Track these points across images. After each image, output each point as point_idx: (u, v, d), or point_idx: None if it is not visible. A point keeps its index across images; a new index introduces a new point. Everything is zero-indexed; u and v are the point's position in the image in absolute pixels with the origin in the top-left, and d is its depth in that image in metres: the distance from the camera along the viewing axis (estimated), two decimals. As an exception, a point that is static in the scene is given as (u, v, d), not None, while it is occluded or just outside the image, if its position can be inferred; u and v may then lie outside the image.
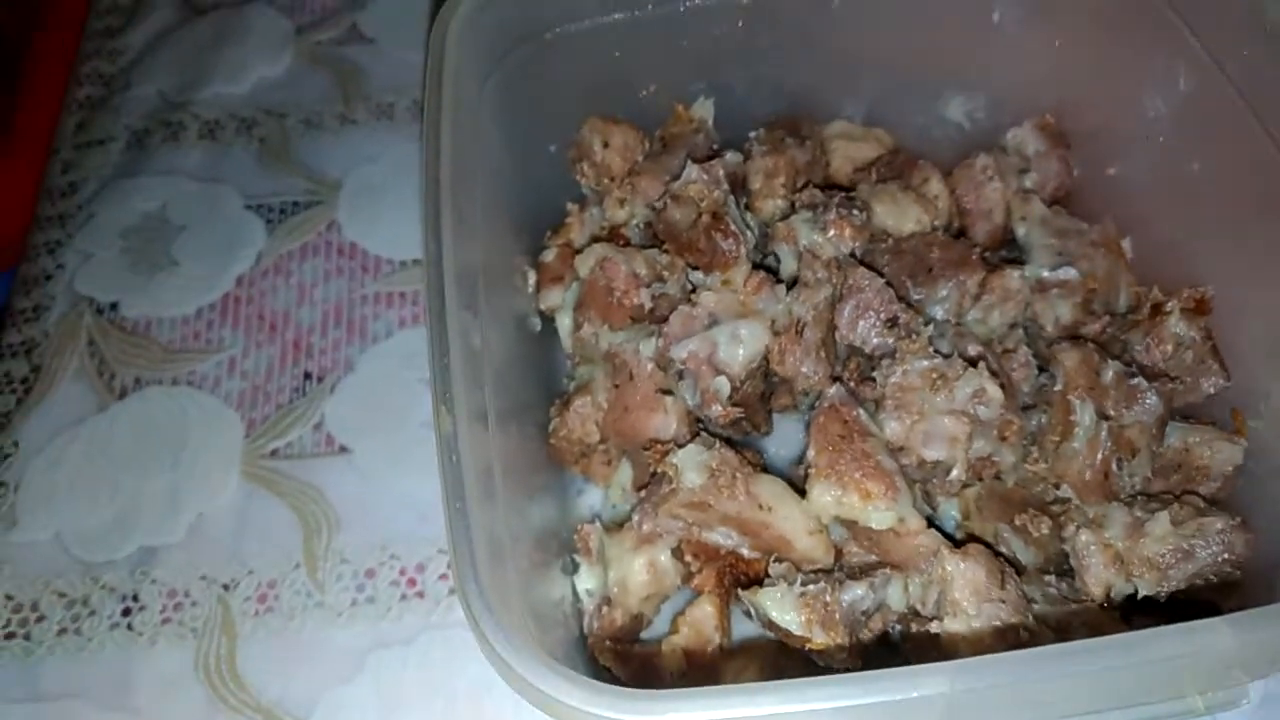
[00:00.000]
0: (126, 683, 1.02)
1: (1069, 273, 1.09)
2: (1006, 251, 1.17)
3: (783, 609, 0.86)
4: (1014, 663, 0.62)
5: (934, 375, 0.92)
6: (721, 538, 0.94)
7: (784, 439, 1.10)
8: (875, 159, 1.19)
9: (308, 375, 1.24)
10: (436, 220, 0.84)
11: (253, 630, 1.05)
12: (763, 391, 1.03)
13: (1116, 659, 0.61)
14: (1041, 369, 1.02)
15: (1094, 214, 1.18)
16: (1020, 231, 1.15)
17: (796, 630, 0.86)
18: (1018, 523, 0.96)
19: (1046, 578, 0.94)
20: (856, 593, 0.87)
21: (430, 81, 0.94)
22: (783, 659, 0.93)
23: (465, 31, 0.98)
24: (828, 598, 0.86)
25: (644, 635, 1.02)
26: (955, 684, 0.61)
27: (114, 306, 1.29)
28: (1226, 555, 0.89)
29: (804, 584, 0.87)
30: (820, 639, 0.85)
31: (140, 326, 1.28)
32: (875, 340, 0.98)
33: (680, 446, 0.95)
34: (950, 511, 1.02)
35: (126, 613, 1.06)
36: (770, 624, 0.88)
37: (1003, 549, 0.97)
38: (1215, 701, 0.71)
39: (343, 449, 1.18)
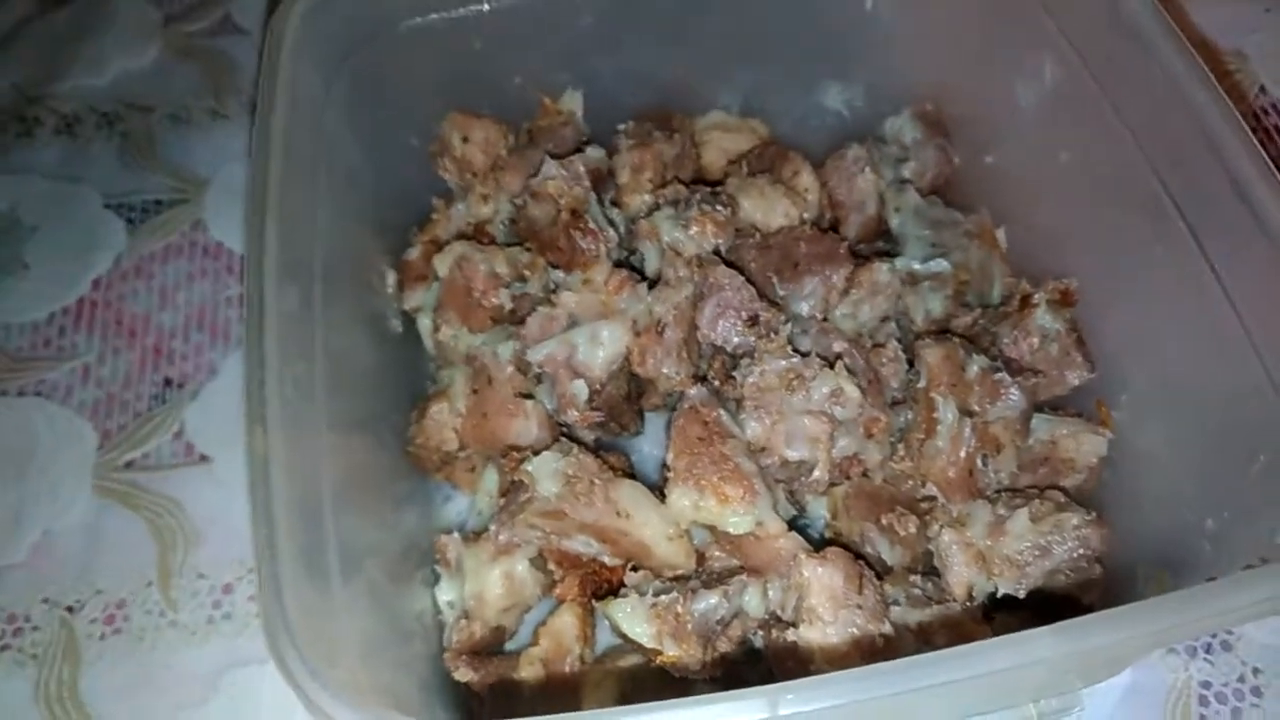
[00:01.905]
0: (-41, 715, 0.97)
1: (941, 265, 1.08)
2: (883, 243, 1.16)
3: (633, 621, 0.84)
4: (839, 682, 0.60)
5: (790, 375, 0.90)
6: (581, 546, 0.91)
7: (657, 438, 1.08)
8: (748, 151, 1.16)
9: (168, 382, 1.19)
10: (260, 228, 0.80)
11: (99, 654, 1.01)
12: (629, 391, 1.01)
13: (940, 675, 0.59)
14: (912, 363, 1.00)
15: (973, 203, 1.18)
16: (894, 223, 1.14)
17: (647, 642, 0.83)
18: (884, 522, 0.95)
19: (913, 578, 0.93)
20: (710, 602, 0.85)
21: (265, 78, 0.89)
22: (643, 670, 0.91)
23: (307, 25, 0.94)
24: (679, 608, 0.84)
25: (510, 646, 0.99)
26: (777, 708, 0.59)
27: (-45, 314, 1.23)
28: (1083, 550, 0.88)
29: (657, 593, 0.85)
30: (672, 651, 0.83)
31: (-17, 335, 1.21)
32: (736, 339, 0.96)
33: (538, 453, 0.92)
34: (819, 511, 1.00)
35: (-39, 640, 1.01)
36: (623, 636, 0.85)
37: (869, 549, 0.96)
38: (1049, 709, 0.70)
39: (203, 458, 1.14)
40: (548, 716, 0.58)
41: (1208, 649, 1.02)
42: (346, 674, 0.66)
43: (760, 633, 0.90)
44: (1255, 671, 1.01)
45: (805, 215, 1.07)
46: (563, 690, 0.90)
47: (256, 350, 0.75)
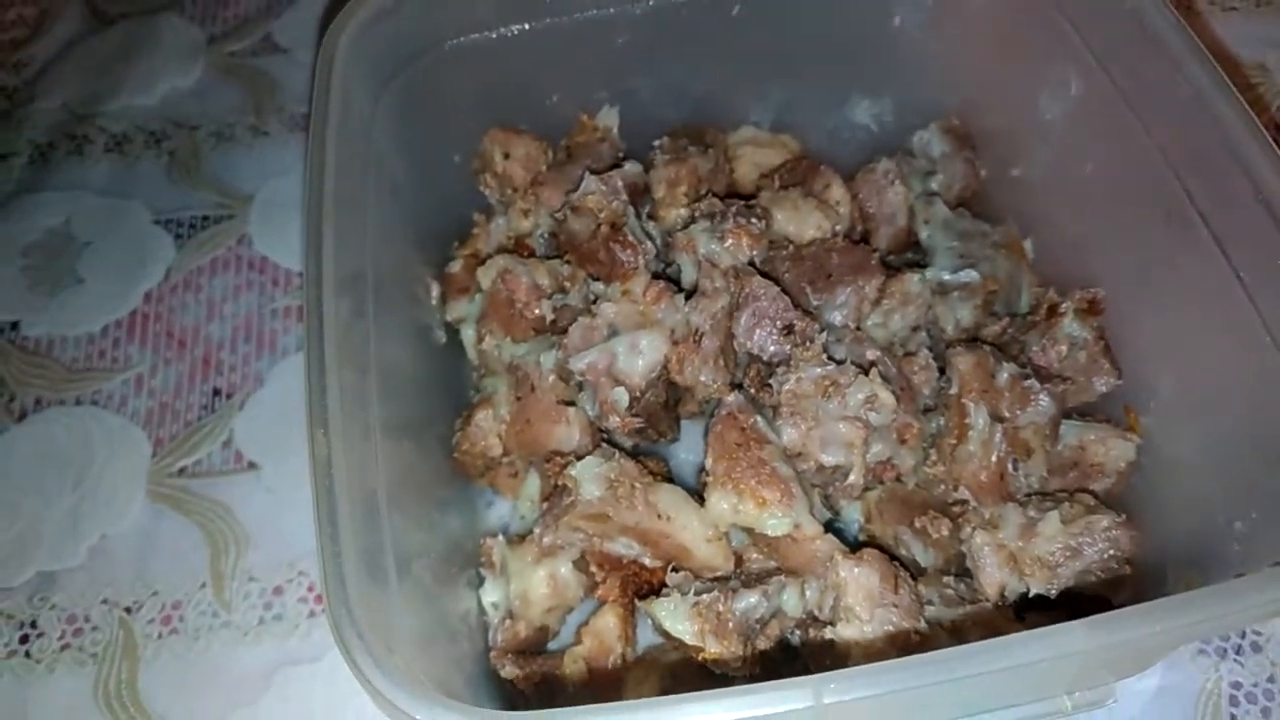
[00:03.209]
0: (23, 713, 1.00)
1: (970, 275, 1.10)
2: (912, 254, 1.19)
3: (676, 619, 0.86)
4: (880, 673, 0.63)
5: (826, 382, 0.92)
6: (623, 548, 0.94)
7: (694, 444, 1.11)
8: (780, 165, 1.19)
9: (217, 391, 1.23)
10: (318, 241, 0.83)
11: (155, 653, 1.04)
12: (666, 399, 1.04)
13: (976, 666, 0.62)
14: (943, 371, 1.03)
15: (1000, 215, 1.20)
16: (923, 235, 1.16)
17: (690, 640, 0.86)
18: (918, 525, 0.97)
19: (946, 579, 0.95)
20: (750, 601, 0.87)
21: (317, 98, 0.93)
22: (684, 668, 0.93)
23: (356, 46, 0.98)
24: (720, 607, 0.86)
25: (552, 645, 1.02)
26: (821, 697, 0.62)
27: (14, 326, 1.28)
28: (1113, 552, 0.90)
29: (698, 593, 0.88)
30: (714, 648, 0.86)
31: (42, 346, 1.26)
32: (772, 348, 0.99)
33: (581, 458, 0.95)
34: (853, 515, 1.03)
35: (24, 640, 1.05)
36: (665, 634, 0.88)
37: (903, 551, 0.98)
38: (1082, 701, 0.72)
39: (252, 465, 1.17)
40: (595, 704, 0.61)
41: (1238, 650, 1.04)
42: (405, 666, 0.69)
43: (797, 631, 0.93)
44: (1285, 671, 1.03)
45: (837, 227, 1.10)
46: (606, 686, 0.93)
47: (317, 358, 0.78)
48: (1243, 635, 1.04)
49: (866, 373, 0.93)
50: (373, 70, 1.02)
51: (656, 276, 1.02)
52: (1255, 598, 0.66)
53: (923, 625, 0.87)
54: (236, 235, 1.36)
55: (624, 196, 1.04)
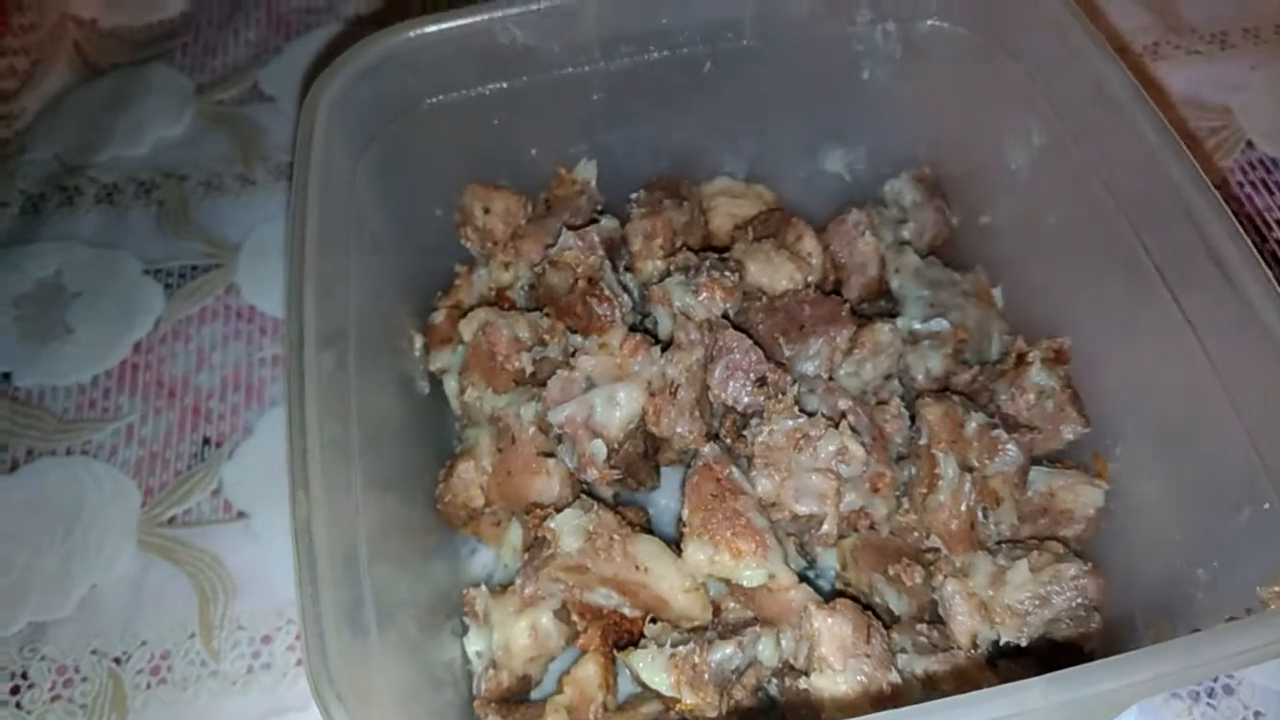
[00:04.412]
0: (14, 765, 1.02)
1: (940, 324, 1.13)
2: (884, 303, 1.21)
3: (652, 670, 0.88)
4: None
5: (798, 435, 0.95)
6: (602, 598, 0.96)
7: (675, 491, 1.12)
8: (753, 216, 1.22)
9: (206, 440, 1.25)
10: (299, 300, 0.86)
11: (145, 704, 1.06)
12: (645, 448, 1.06)
13: (937, 725, 0.64)
14: (914, 419, 1.05)
15: (970, 263, 1.23)
16: (894, 284, 1.19)
17: (666, 691, 0.88)
18: (891, 573, 0.99)
19: (919, 626, 0.97)
20: (725, 652, 0.89)
21: (299, 157, 0.96)
22: (664, 717, 0.95)
23: (337, 105, 1.00)
24: (696, 658, 0.88)
25: (535, 694, 1.04)
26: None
27: (5, 377, 1.30)
28: (1080, 600, 0.92)
29: (674, 645, 0.90)
30: (690, 699, 0.88)
31: (33, 397, 1.28)
32: (746, 399, 1.01)
33: (560, 510, 0.97)
34: (830, 562, 1.05)
35: (15, 691, 1.07)
36: (643, 685, 0.90)
37: (877, 599, 1.00)
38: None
39: (241, 514, 1.19)
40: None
41: (1210, 693, 1.05)
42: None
43: (775, 681, 0.95)
44: (1257, 715, 1.04)
45: (809, 278, 1.12)
46: (587, 737, 0.95)
47: (298, 417, 0.80)
48: (1215, 679, 1.05)
49: (837, 424, 0.95)
50: (354, 129, 1.04)
51: (634, 329, 1.05)
52: (1209, 653, 0.68)
53: (894, 675, 0.89)
54: (224, 284, 1.38)
55: (600, 252, 1.07)
